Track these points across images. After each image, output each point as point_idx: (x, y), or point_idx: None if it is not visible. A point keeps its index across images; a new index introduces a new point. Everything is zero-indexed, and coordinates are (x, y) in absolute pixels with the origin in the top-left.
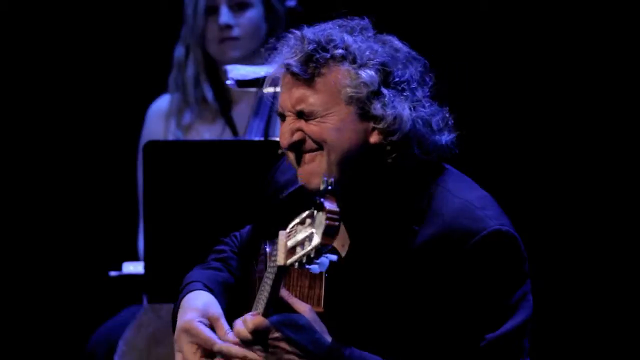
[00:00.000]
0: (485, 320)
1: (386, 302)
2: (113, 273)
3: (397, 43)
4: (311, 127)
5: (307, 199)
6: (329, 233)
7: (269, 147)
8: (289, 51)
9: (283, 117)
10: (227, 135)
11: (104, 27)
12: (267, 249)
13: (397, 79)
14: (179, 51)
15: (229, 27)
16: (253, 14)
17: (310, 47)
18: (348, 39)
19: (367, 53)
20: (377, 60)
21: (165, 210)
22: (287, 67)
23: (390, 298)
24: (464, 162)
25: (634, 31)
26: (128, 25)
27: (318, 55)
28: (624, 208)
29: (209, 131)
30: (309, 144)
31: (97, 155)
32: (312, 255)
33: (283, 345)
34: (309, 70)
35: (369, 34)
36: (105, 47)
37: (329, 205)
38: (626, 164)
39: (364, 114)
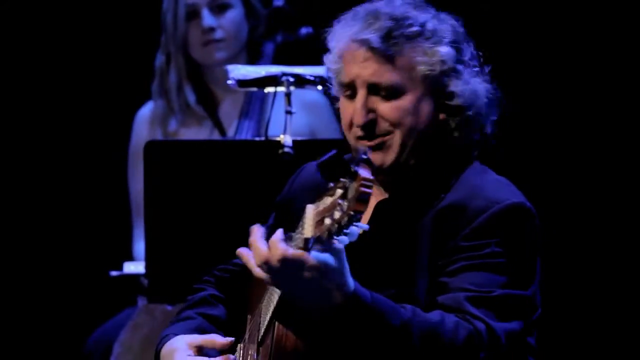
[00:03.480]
0: (492, 281)
1: (406, 266)
2: (114, 273)
3: (455, 22)
4: (387, 109)
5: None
6: (363, 199)
7: (270, 147)
8: (363, 25)
9: (351, 90)
10: (216, 137)
11: (93, 31)
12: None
13: (467, 56)
14: (160, 60)
15: (212, 29)
16: (234, 14)
17: (389, 23)
18: (420, 16)
19: (440, 30)
20: (450, 37)
21: (166, 210)
22: (366, 41)
23: (410, 261)
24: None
25: (634, 31)
26: (116, 29)
27: (397, 33)
28: (625, 208)
29: (196, 135)
30: (382, 124)
31: (99, 154)
32: (343, 224)
33: (306, 280)
34: (388, 47)
35: (432, 12)
36: (96, 50)
37: (364, 172)
38: (627, 163)
39: (437, 92)
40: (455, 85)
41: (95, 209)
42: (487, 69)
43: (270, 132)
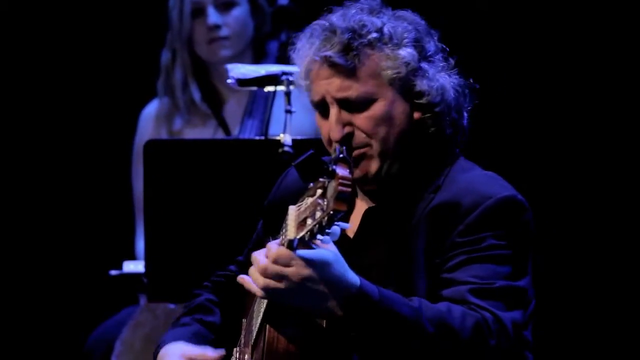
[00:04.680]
0: (490, 273)
1: (403, 267)
2: (113, 272)
3: (414, 17)
4: (361, 120)
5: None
6: (342, 198)
7: (269, 146)
8: (321, 42)
9: (323, 107)
10: (220, 136)
11: (99, 28)
12: (270, 241)
13: (429, 52)
14: (165, 56)
15: (217, 27)
16: (239, 12)
17: (347, 35)
18: (376, 21)
19: (399, 31)
20: (411, 36)
21: (166, 208)
22: (327, 59)
23: (406, 261)
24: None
25: (634, 31)
26: (122, 26)
27: (356, 43)
28: (624, 207)
29: (200, 134)
30: (359, 136)
31: (100, 154)
32: (324, 224)
33: (309, 280)
34: (349, 59)
35: (388, 12)
36: (101, 48)
37: (341, 171)
38: (626, 163)
39: (407, 93)
40: (421, 85)
41: (96, 208)
42: (452, 61)
43: (273, 132)
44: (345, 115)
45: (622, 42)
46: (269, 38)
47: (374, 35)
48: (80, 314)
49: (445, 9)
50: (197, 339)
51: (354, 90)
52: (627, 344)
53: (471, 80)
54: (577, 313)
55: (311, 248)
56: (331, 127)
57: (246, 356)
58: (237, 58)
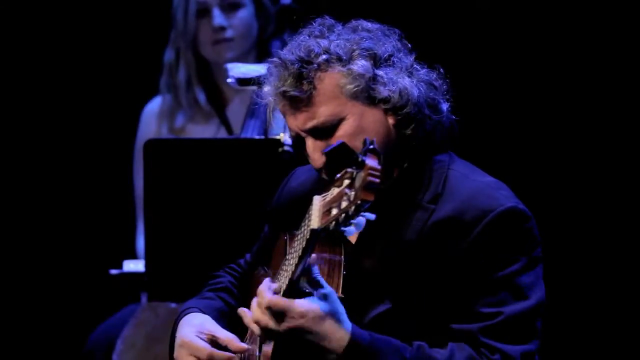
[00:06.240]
0: (499, 298)
1: (401, 280)
2: (113, 271)
3: (366, 24)
4: (337, 140)
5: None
6: (370, 188)
7: (269, 146)
8: (276, 80)
9: (301, 141)
10: (223, 135)
11: (98, 27)
12: (286, 237)
13: (384, 56)
14: (169, 55)
15: (222, 28)
16: (245, 13)
17: (296, 66)
18: (324, 42)
19: (347, 46)
20: (360, 47)
21: (165, 208)
22: (285, 94)
23: (405, 275)
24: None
25: (634, 31)
26: (122, 26)
27: (305, 71)
28: (623, 207)
29: (202, 132)
30: None
31: (99, 153)
32: (350, 213)
33: (302, 329)
34: (304, 88)
35: (338, 29)
36: (100, 48)
37: (371, 162)
38: (625, 162)
39: (372, 101)
40: (382, 91)
41: (97, 207)
42: (412, 57)
43: (274, 131)
44: (321, 142)
45: (621, 42)
46: (272, 38)
47: (323, 57)
48: (80, 314)
49: (447, 8)
50: (221, 316)
51: (319, 116)
52: (627, 346)
53: (440, 70)
54: (576, 315)
55: (316, 292)
56: (311, 158)
57: (256, 352)
58: (242, 59)
